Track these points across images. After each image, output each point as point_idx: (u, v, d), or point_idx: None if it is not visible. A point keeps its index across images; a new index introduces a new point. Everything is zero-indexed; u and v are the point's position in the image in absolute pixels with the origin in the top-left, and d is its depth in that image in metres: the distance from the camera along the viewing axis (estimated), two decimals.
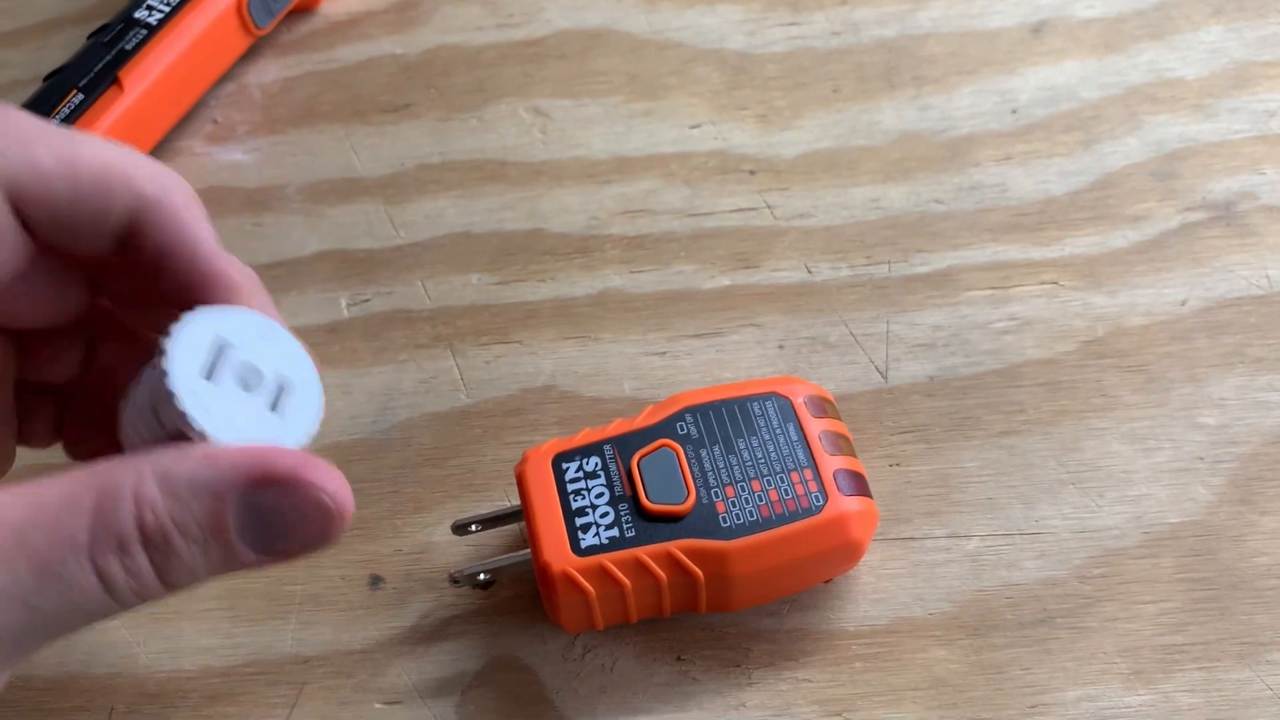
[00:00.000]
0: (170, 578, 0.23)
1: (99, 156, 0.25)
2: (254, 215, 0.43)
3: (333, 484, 0.24)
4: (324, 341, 0.40)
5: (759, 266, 0.40)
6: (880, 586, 0.33)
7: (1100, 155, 0.41)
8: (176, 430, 0.23)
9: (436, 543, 0.35)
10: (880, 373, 0.37)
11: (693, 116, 0.44)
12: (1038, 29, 0.45)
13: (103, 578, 0.22)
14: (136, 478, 0.22)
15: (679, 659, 0.33)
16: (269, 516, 0.23)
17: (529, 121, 0.45)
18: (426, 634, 0.34)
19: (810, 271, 0.40)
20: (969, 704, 0.31)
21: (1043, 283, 0.38)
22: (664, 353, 0.38)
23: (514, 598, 0.34)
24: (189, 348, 0.24)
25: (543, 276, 0.41)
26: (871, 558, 0.34)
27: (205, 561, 0.23)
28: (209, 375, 0.24)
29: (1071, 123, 0.42)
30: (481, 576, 0.32)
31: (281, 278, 0.41)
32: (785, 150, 0.43)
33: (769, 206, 0.41)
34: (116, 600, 0.23)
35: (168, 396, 0.23)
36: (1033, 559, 0.33)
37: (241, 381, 0.24)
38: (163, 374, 0.23)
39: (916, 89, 0.44)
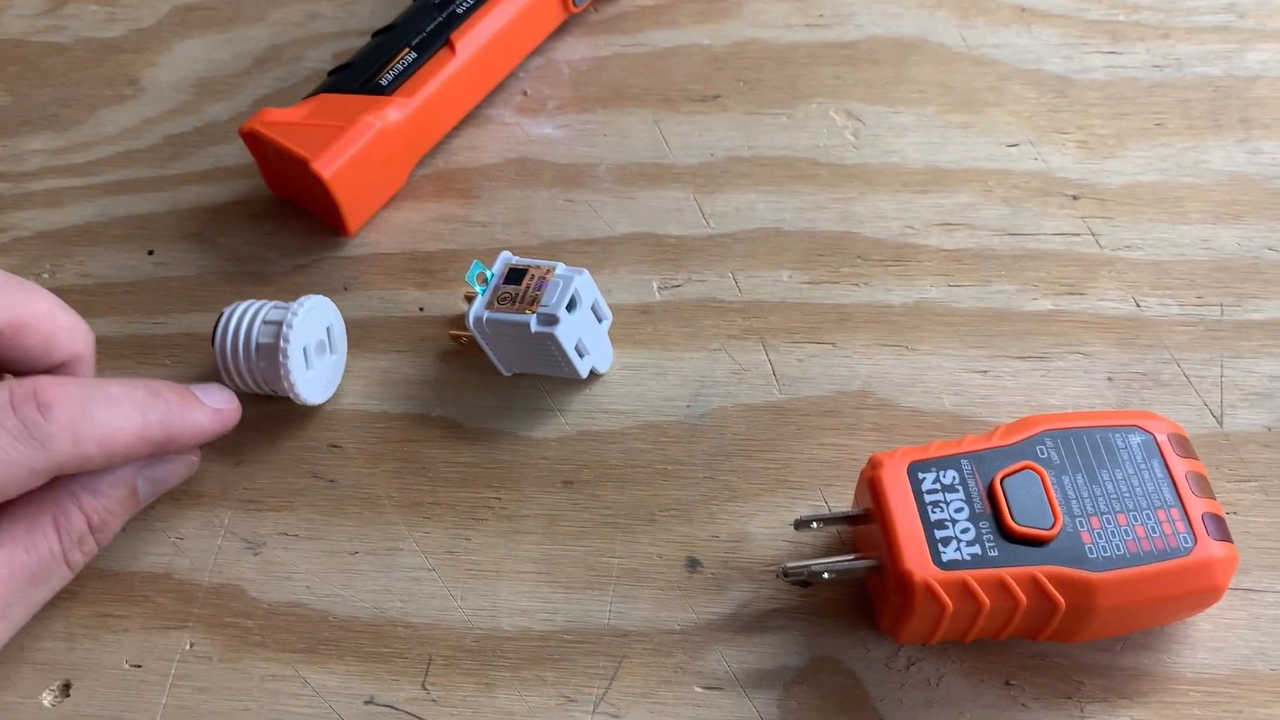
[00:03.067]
0: (106, 538, 0.35)
1: (41, 318, 0.34)
2: (565, 191, 0.44)
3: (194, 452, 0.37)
4: (637, 321, 0.40)
5: (1084, 294, 0.39)
6: (1219, 635, 0.32)
7: None
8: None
9: (754, 533, 0.35)
10: (1215, 417, 0.36)
11: (1010, 135, 0.44)
12: None
13: (71, 566, 0.34)
14: (74, 495, 0.33)
15: (1008, 683, 0.32)
16: (159, 479, 0.36)
17: (840, 124, 0.45)
18: (746, 623, 0.34)
19: (1139, 305, 0.39)
20: None
21: None
22: (985, 371, 0.38)
23: (833, 599, 0.34)
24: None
25: (856, 280, 0.41)
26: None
27: (123, 517, 0.35)
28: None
29: None
30: (825, 575, 0.32)
31: (594, 254, 0.42)
32: (1108, 179, 0.42)
33: (1093, 234, 0.41)
34: (74, 571, 0.34)
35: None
36: None
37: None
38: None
39: (1245, 131, 0.43)
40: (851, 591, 0.34)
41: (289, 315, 0.37)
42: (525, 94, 0.47)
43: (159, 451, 0.34)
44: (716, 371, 0.39)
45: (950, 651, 0.33)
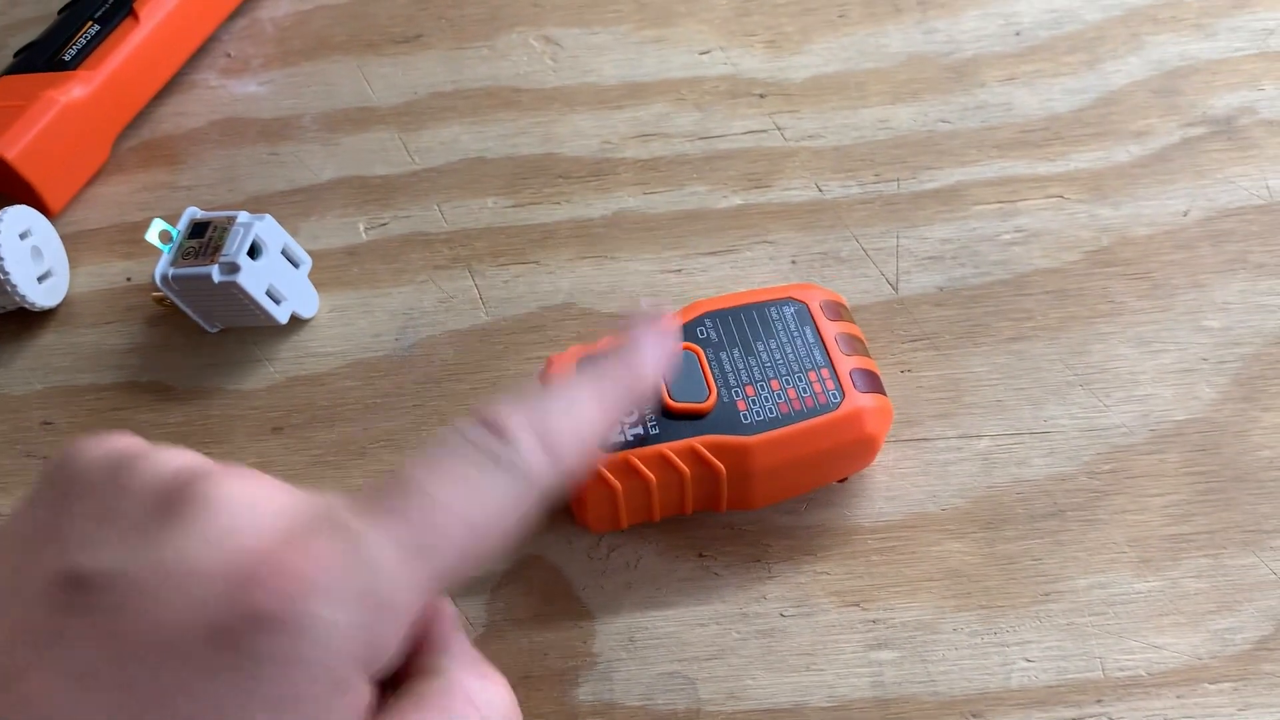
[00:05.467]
0: None
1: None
2: (270, 145, 0.44)
3: None
4: (343, 264, 0.41)
5: (770, 186, 0.41)
6: (894, 485, 0.34)
7: (1103, 74, 0.42)
8: None
9: None
10: (891, 284, 0.38)
11: (703, 43, 0.45)
12: None
13: None
14: None
15: (700, 555, 0.34)
16: None
17: (540, 50, 0.46)
18: None
19: (821, 190, 0.40)
20: (983, 593, 0.32)
21: (1049, 196, 0.39)
22: (680, 270, 0.39)
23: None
24: None
25: (558, 199, 0.41)
26: (885, 458, 0.34)
27: None
28: None
29: (1075, 44, 0.43)
30: None
31: (300, 203, 0.42)
32: (794, 74, 0.44)
33: (779, 128, 0.42)
34: None
35: None
36: (1042, 456, 0.34)
37: None
38: None
39: (922, 13, 0.45)
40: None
41: None
42: (229, 55, 0.47)
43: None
44: (424, 303, 0.40)
45: (647, 534, 0.34)
